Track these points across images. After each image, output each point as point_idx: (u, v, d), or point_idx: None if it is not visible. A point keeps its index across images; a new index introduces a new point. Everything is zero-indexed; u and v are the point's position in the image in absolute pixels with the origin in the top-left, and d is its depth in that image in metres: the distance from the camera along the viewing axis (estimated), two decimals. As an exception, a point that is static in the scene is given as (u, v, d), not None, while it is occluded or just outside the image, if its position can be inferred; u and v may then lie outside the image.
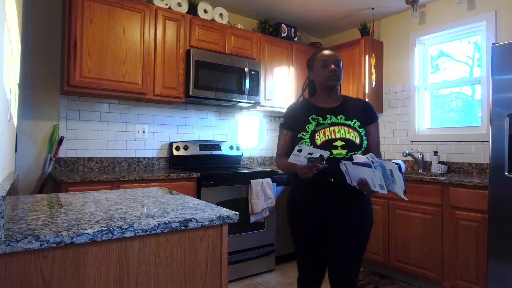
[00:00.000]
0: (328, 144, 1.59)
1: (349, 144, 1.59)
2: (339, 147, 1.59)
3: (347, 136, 1.61)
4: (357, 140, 1.61)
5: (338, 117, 1.66)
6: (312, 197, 1.66)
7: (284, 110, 3.59)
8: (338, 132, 1.61)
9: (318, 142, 1.61)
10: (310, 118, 1.67)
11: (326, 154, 1.45)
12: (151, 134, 3.16)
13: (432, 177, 2.64)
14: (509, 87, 2.13)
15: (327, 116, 1.66)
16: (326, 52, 1.70)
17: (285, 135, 1.75)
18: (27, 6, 2.55)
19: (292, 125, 1.72)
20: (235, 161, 3.56)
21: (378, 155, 1.67)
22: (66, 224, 0.98)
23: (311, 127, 1.65)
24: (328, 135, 1.61)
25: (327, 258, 1.67)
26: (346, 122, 1.64)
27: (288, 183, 3.29)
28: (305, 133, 1.64)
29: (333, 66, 1.66)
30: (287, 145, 1.74)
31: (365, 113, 1.70)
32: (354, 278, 1.64)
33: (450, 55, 3.32)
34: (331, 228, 1.63)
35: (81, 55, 2.49)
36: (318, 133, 1.63)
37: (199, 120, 3.45)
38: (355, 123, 1.65)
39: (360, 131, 1.64)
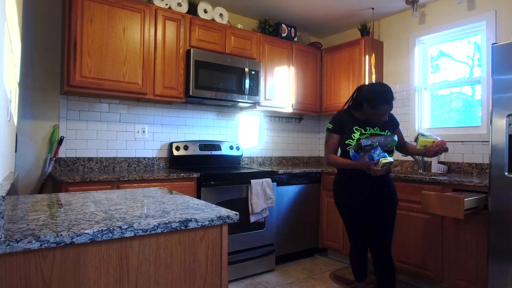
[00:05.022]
0: None
1: None
2: None
3: None
4: None
5: (374, 128, 2.20)
6: (358, 181, 2.18)
7: (283, 110, 3.65)
8: None
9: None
10: (354, 128, 2.18)
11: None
12: (151, 134, 3.16)
13: (432, 177, 2.64)
14: (509, 87, 2.13)
15: (367, 128, 2.19)
16: (387, 107, 2.11)
17: (334, 138, 2.23)
18: (27, 6, 2.55)
19: (340, 131, 2.21)
20: (235, 161, 3.55)
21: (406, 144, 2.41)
22: (66, 224, 0.98)
23: (356, 136, 2.15)
24: None
25: (373, 229, 2.23)
26: (381, 132, 2.19)
27: (288, 183, 3.29)
28: (351, 140, 2.16)
29: (386, 118, 2.17)
30: (335, 147, 2.24)
31: (392, 122, 2.30)
32: (391, 242, 2.26)
33: (450, 55, 3.32)
34: (375, 206, 2.20)
35: (81, 55, 2.49)
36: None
37: (199, 120, 3.45)
38: (387, 132, 2.21)
39: None
